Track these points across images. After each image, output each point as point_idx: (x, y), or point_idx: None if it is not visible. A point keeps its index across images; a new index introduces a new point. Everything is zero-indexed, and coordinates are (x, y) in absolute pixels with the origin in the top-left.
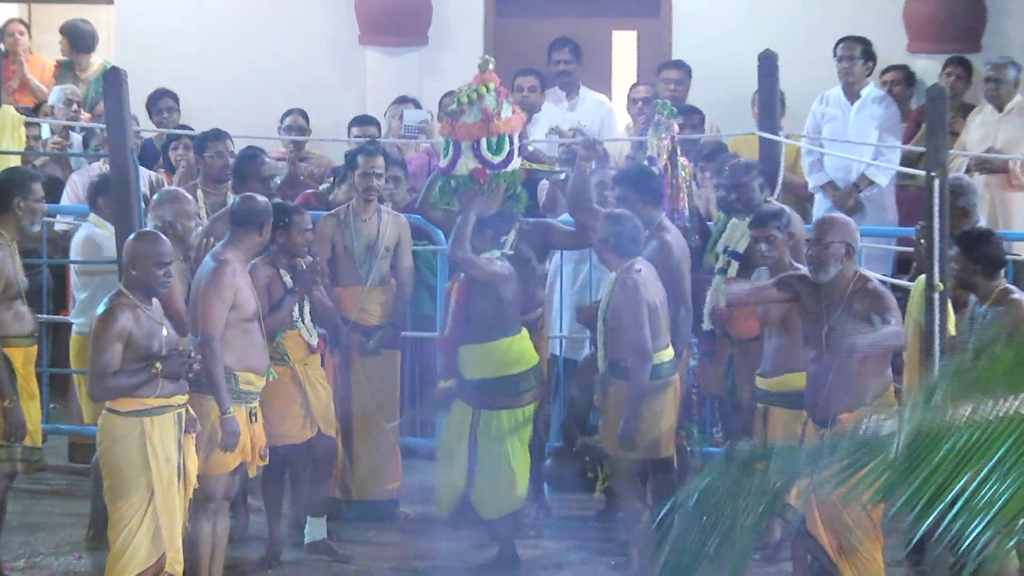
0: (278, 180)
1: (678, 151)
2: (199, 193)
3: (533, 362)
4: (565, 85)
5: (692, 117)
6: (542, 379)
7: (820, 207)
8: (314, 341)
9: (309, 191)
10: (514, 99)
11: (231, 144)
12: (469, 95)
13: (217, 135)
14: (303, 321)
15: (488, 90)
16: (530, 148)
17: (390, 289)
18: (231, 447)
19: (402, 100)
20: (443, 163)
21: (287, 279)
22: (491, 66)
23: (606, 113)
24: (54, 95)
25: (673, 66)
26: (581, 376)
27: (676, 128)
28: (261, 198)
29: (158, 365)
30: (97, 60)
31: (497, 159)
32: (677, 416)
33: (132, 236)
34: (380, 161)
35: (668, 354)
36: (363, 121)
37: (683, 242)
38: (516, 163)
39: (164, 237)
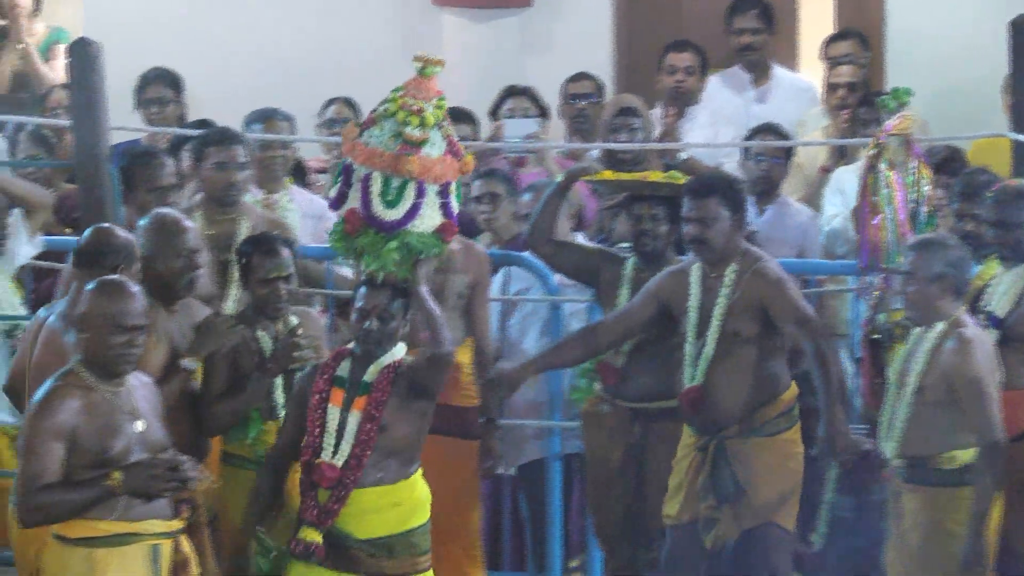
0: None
1: (883, 155)
2: (198, 219)
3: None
4: (751, 65)
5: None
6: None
7: None
8: None
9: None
10: (665, 85)
11: (243, 151)
12: (389, 108)
13: (223, 136)
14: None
15: (437, 106)
16: (682, 155)
17: (466, 351)
18: None
19: (511, 92)
20: (331, 192)
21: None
22: (437, 70)
23: (809, 104)
24: None
25: (842, 37)
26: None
27: (893, 126)
28: (120, 232)
29: (116, 476)
30: (42, 28)
31: (387, 214)
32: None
33: (91, 285)
34: None
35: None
36: (451, 116)
37: None
38: (426, 226)
39: (134, 288)
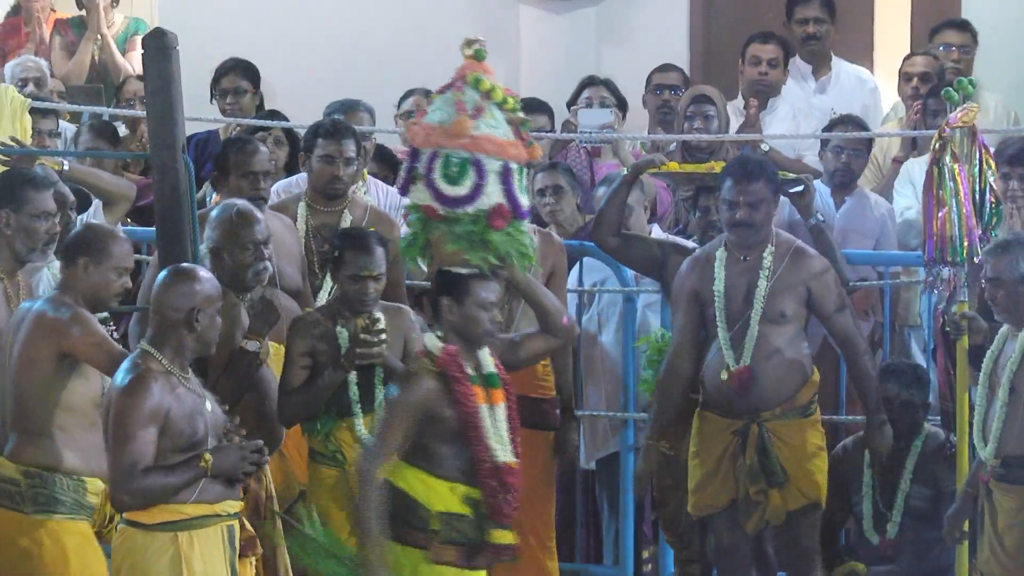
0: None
1: (947, 148)
2: (301, 209)
3: None
4: (812, 55)
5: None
6: None
7: None
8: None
9: None
10: (748, 77)
11: (352, 145)
12: (494, 95)
13: (334, 129)
14: (365, 408)
15: (485, 86)
16: (764, 148)
17: None
18: None
19: (591, 82)
20: (458, 190)
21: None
22: (483, 53)
23: (870, 95)
24: (7, 71)
25: (953, 27)
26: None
27: (957, 118)
28: (102, 228)
29: (207, 458)
30: (120, 19)
31: (524, 202)
32: None
33: (170, 274)
34: None
35: None
36: (528, 107)
37: None
38: (487, 204)
39: (206, 272)
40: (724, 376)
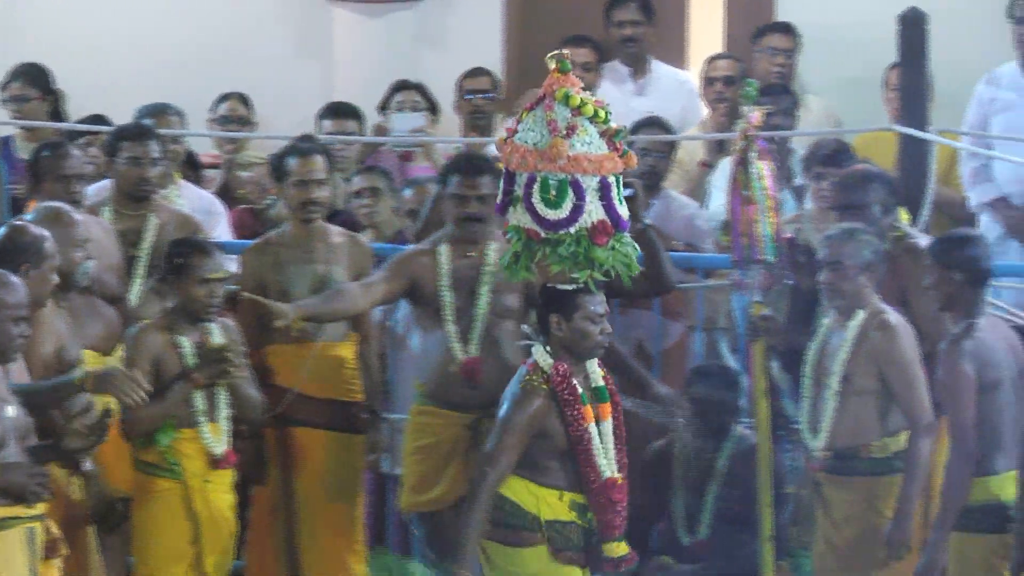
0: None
1: (753, 151)
2: (106, 213)
3: None
4: (631, 58)
5: (781, 100)
6: None
7: (987, 233)
8: (219, 450)
9: (244, 207)
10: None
11: (156, 147)
12: (585, 110)
13: (138, 132)
14: (211, 418)
15: (575, 102)
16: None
17: (350, 346)
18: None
19: (403, 86)
20: (559, 213)
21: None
22: (568, 65)
23: (688, 97)
24: None
25: (777, 30)
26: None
27: (757, 118)
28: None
29: None
30: None
31: (623, 212)
32: None
33: None
34: (319, 162)
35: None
36: (338, 112)
37: None
38: (589, 222)
39: (16, 279)
40: (453, 368)
